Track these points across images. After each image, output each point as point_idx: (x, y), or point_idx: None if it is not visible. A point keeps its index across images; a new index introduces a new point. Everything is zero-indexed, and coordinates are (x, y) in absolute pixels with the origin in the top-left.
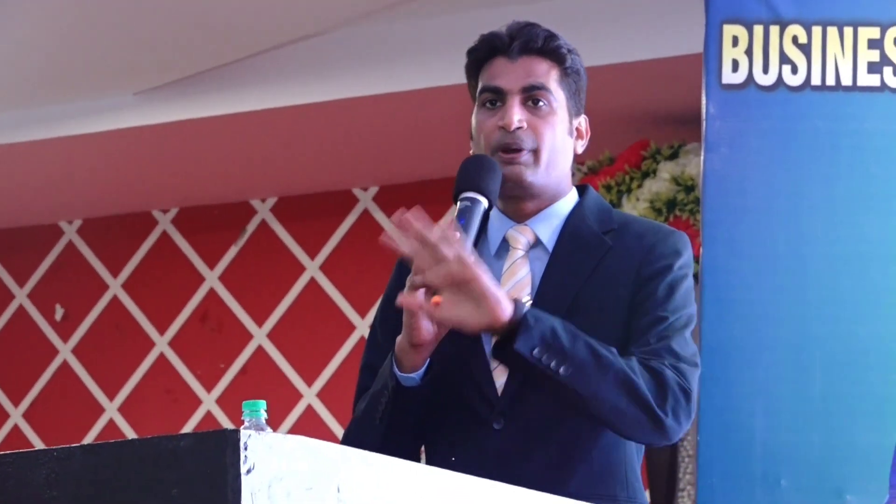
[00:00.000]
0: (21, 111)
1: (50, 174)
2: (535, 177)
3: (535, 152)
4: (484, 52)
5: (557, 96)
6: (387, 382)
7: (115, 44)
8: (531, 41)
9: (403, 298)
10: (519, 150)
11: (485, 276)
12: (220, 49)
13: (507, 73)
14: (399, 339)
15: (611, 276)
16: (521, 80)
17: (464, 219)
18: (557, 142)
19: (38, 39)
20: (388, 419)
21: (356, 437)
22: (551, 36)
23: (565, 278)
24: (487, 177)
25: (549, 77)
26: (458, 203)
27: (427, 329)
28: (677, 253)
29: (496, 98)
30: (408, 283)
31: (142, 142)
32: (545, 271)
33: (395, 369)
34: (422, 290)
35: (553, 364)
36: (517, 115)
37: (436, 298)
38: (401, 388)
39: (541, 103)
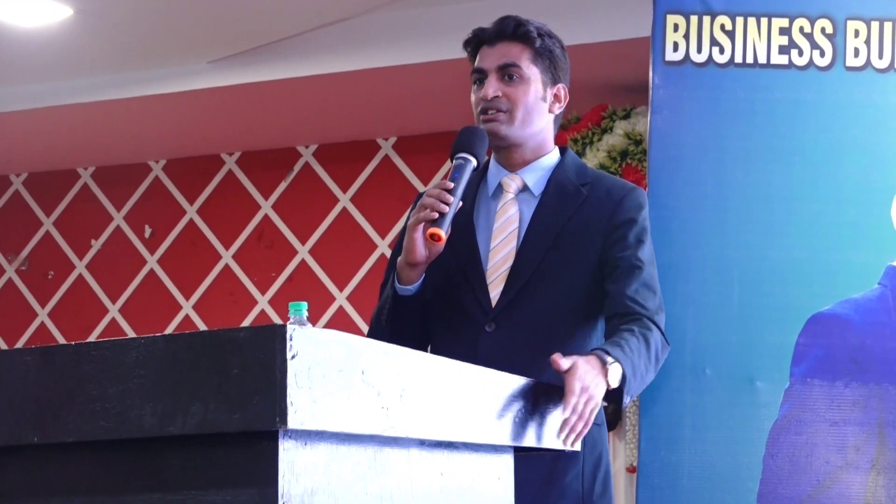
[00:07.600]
0: (119, 74)
1: (140, 124)
2: (511, 130)
3: (510, 112)
4: (474, 44)
5: (530, 71)
6: (389, 292)
7: (193, 22)
8: (504, 29)
9: (410, 224)
10: (495, 112)
11: None
12: (274, 27)
13: (487, 57)
14: (399, 258)
15: (586, 221)
16: (497, 61)
17: (458, 173)
18: (530, 103)
19: (131, 18)
20: (391, 321)
21: (371, 335)
22: (521, 24)
23: (550, 219)
24: (476, 141)
25: (522, 56)
26: (454, 160)
27: (420, 252)
28: (640, 206)
29: (481, 77)
30: (413, 216)
31: (213, 100)
32: (534, 213)
33: (396, 282)
34: (422, 224)
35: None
36: (493, 87)
37: (433, 230)
38: (398, 297)
39: (514, 77)
